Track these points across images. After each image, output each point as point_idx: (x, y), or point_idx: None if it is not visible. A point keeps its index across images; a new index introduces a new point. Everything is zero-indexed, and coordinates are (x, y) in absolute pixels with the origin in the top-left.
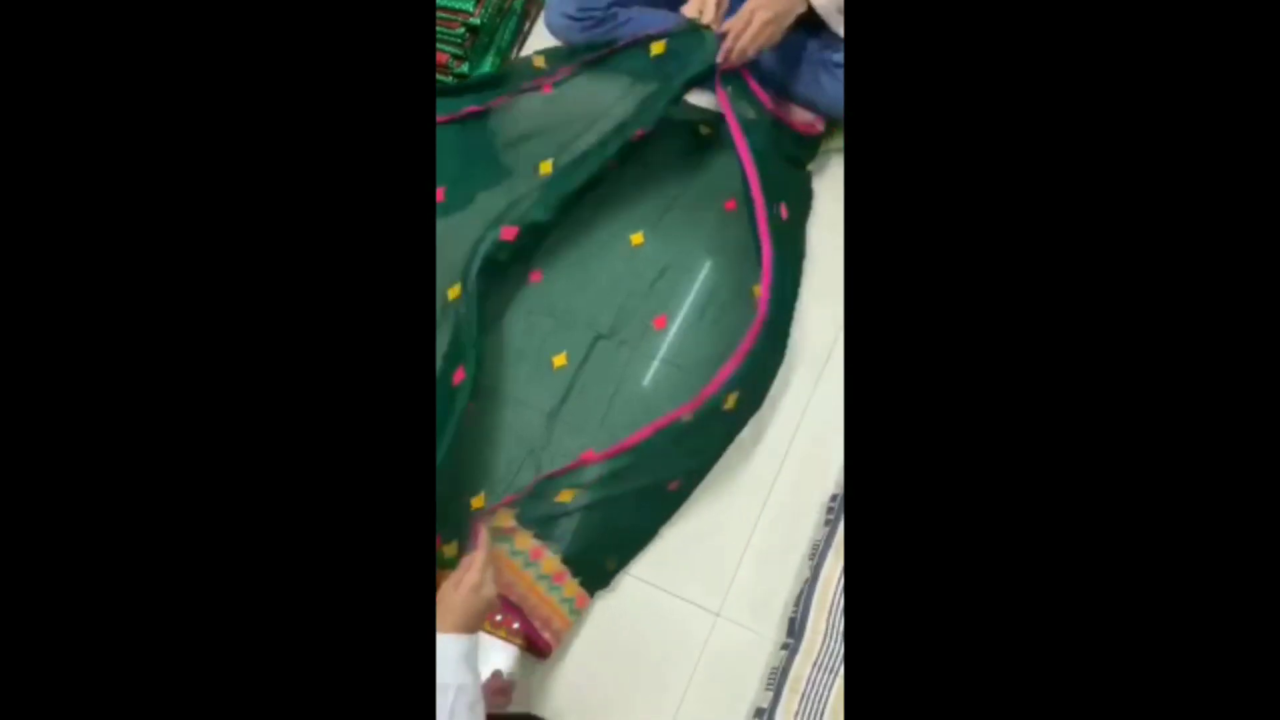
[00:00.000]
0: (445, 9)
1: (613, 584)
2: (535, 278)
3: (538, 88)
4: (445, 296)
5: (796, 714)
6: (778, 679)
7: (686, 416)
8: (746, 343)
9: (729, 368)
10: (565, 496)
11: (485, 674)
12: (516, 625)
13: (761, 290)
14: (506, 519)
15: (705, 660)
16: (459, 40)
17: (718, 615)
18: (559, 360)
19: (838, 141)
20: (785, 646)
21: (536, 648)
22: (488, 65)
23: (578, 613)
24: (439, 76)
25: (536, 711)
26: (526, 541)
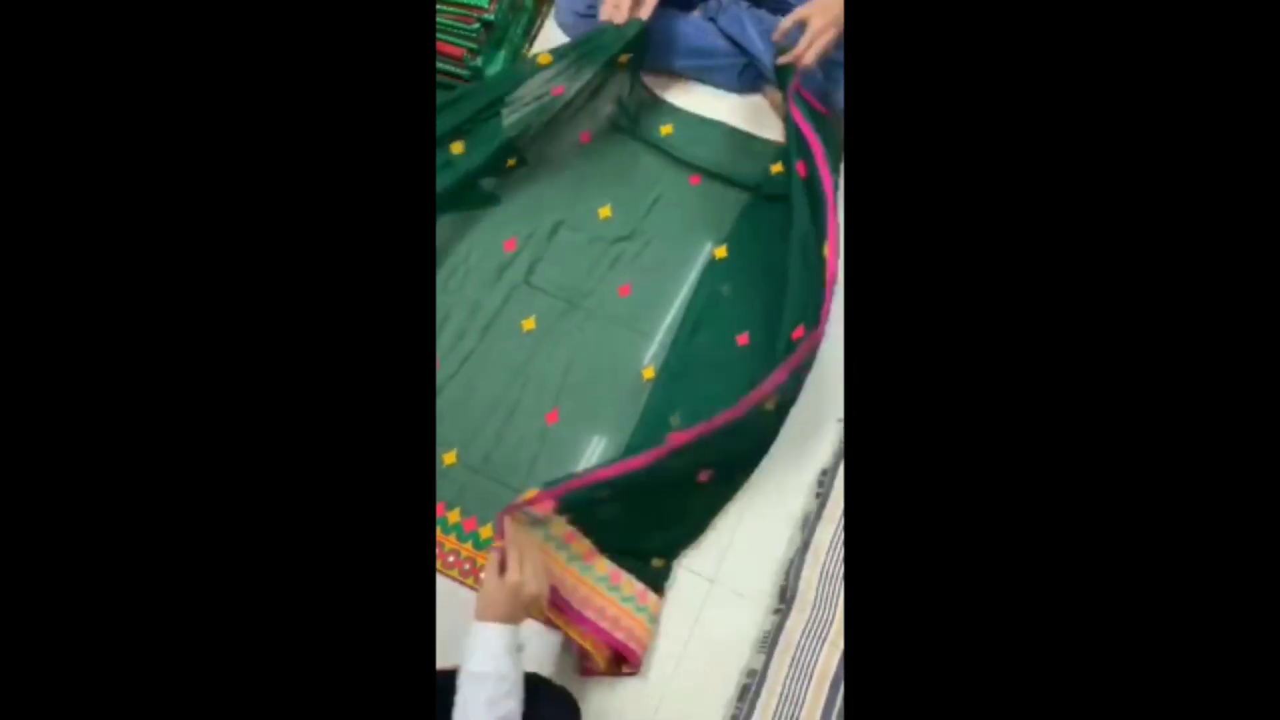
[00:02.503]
0: (461, 4)
1: (670, 581)
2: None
3: (546, 93)
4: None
5: (786, 676)
6: (769, 643)
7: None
8: (802, 351)
9: (781, 374)
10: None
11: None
12: (591, 642)
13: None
14: (545, 505)
15: (701, 624)
16: (473, 35)
17: (713, 582)
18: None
19: None
20: (777, 612)
21: (620, 660)
22: (500, 60)
23: (656, 619)
24: (455, 69)
25: (538, 673)
26: (561, 527)
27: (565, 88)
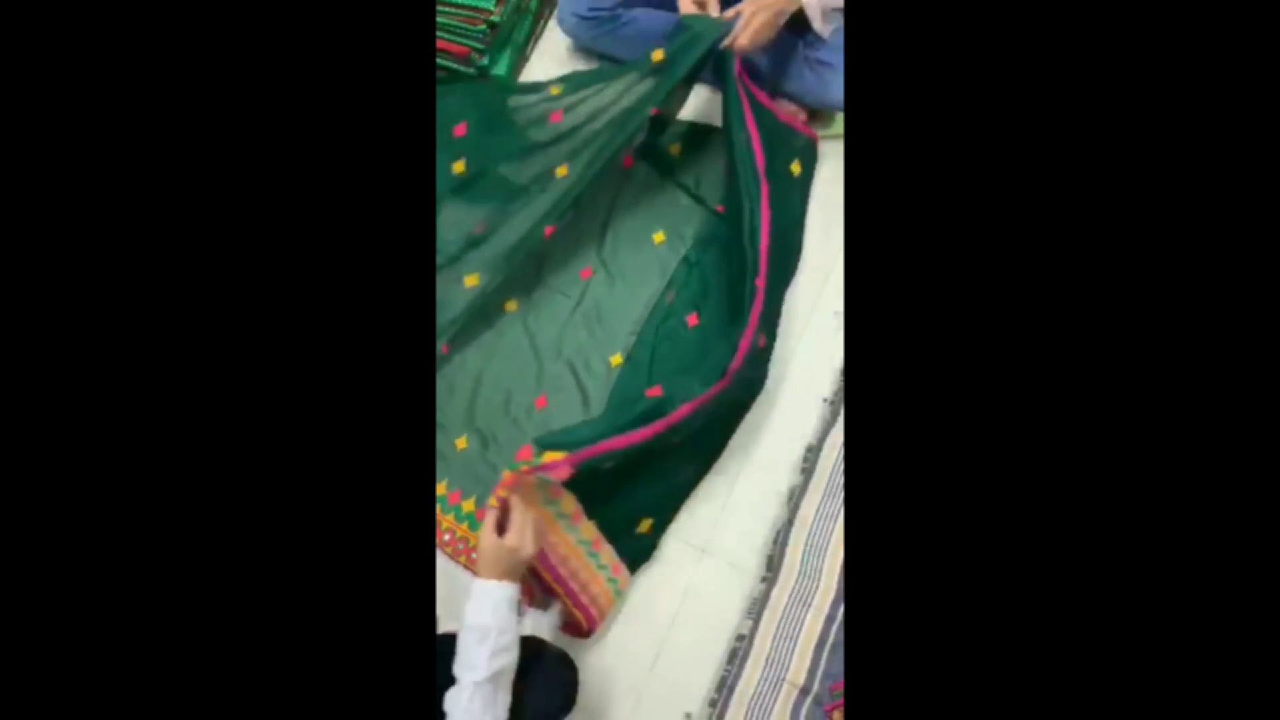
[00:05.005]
0: (468, 7)
1: (654, 556)
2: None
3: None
4: (462, 283)
5: (773, 640)
6: (757, 609)
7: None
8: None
9: (754, 316)
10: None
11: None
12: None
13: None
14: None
15: (693, 591)
16: (480, 35)
17: (705, 552)
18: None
19: (836, 128)
20: (764, 580)
21: (577, 624)
22: (504, 59)
23: (621, 593)
24: (461, 67)
25: (537, 635)
26: (571, 504)
27: (562, 116)
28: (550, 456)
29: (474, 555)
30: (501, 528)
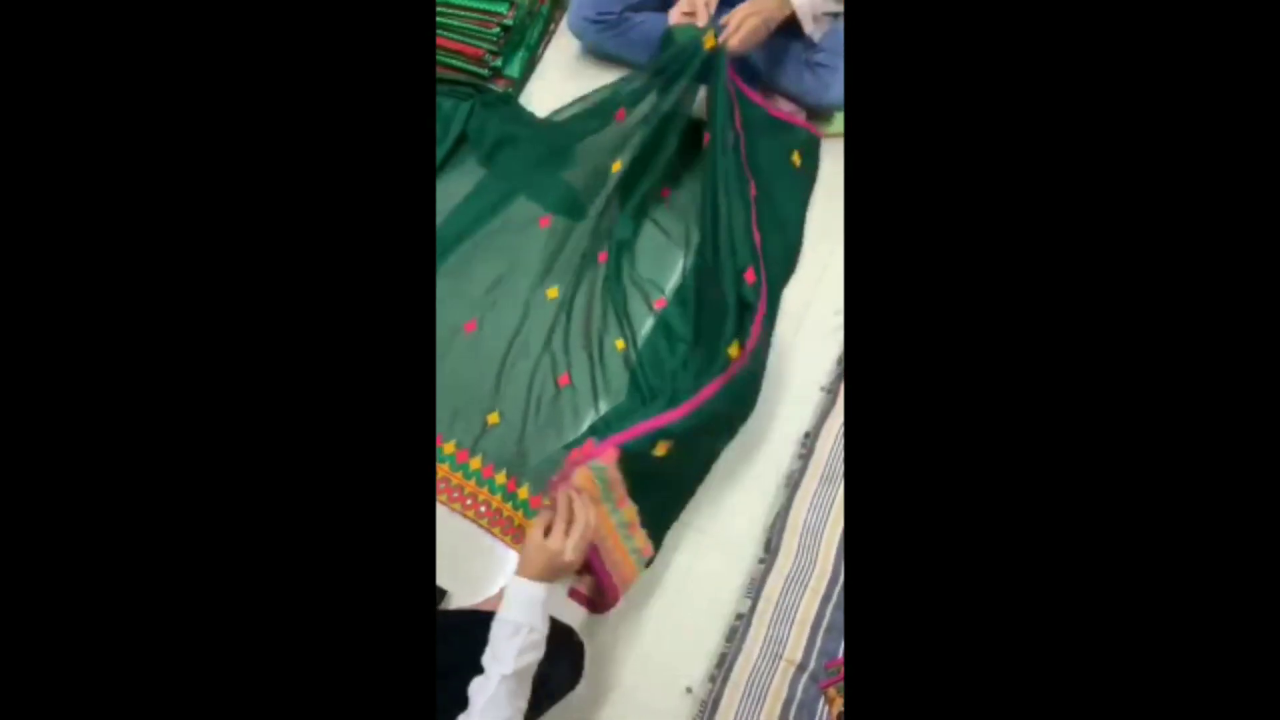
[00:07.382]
0: (483, 11)
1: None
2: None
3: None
4: (544, 296)
5: (770, 620)
6: (755, 589)
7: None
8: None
9: (759, 321)
10: (661, 449)
11: (500, 585)
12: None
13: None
14: (610, 459)
15: (693, 572)
16: (494, 38)
17: (705, 534)
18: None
19: (836, 127)
20: (762, 561)
21: (603, 595)
22: (517, 60)
23: (646, 564)
24: (475, 68)
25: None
26: (620, 491)
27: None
28: (598, 450)
29: (506, 525)
30: (548, 529)
